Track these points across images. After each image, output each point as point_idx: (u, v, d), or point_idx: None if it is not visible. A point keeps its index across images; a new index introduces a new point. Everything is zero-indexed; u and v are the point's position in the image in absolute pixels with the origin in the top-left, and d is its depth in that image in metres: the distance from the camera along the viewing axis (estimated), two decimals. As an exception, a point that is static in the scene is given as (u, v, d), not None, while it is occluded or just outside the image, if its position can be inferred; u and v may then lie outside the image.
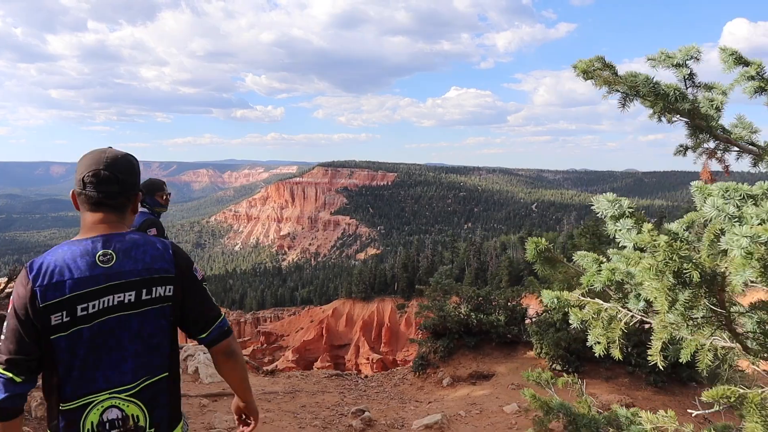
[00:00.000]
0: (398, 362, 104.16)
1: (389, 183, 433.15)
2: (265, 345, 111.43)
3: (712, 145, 3.11)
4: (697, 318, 2.45)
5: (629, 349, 9.85)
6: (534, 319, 11.61)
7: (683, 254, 2.09)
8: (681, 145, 3.19)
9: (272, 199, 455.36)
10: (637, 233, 2.50)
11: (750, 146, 3.05)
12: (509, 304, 12.35)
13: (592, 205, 2.71)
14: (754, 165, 3.08)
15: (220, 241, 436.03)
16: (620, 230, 2.63)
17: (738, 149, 3.08)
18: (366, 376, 12.89)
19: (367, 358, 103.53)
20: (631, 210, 2.63)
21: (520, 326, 11.76)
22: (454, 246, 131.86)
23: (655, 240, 2.13)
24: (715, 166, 3.11)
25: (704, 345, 2.52)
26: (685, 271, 2.09)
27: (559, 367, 9.95)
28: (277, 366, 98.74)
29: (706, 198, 2.38)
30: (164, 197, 6.73)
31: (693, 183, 2.61)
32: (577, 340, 9.92)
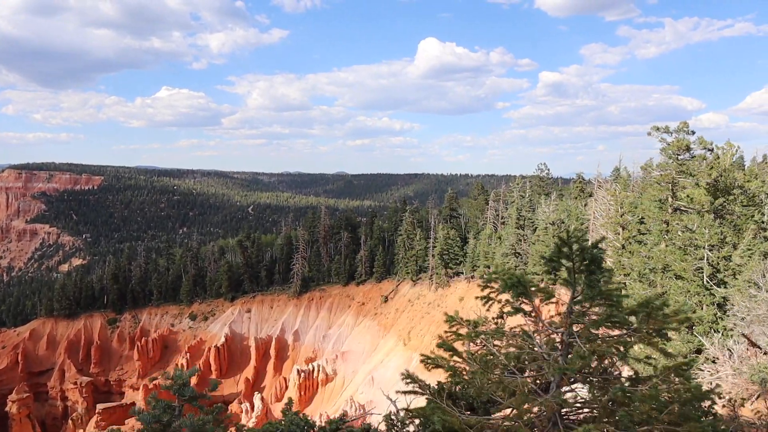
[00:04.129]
0: (112, 383, 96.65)
1: (95, 187, 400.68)
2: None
3: None
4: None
5: None
6: None
7: None
8: None
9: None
10: None
11: None
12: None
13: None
14: None
15: None
16: None
17: None
18: None
19: (75, 383, 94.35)
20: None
21: None
22: (169, 252, 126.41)
23: None
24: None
25: None
26: None
27: None
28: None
29: None
30: None
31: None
32: None
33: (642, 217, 34.25)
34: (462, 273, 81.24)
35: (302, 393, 78.52)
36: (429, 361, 5.01)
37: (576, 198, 77.66)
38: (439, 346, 5.16)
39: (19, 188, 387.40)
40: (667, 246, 23.67)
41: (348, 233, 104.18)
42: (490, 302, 5.13)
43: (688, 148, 23.96)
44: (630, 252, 27.64)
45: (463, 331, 5.20)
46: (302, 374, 79.15)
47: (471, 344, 5.11)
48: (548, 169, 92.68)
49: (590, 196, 73.31)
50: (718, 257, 22.52)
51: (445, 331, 5.21)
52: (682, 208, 23.83)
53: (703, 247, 22.37)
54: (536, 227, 68.85)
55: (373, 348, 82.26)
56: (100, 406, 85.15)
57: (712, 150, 24.23)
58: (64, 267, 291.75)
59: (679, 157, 23.85)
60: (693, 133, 24.06)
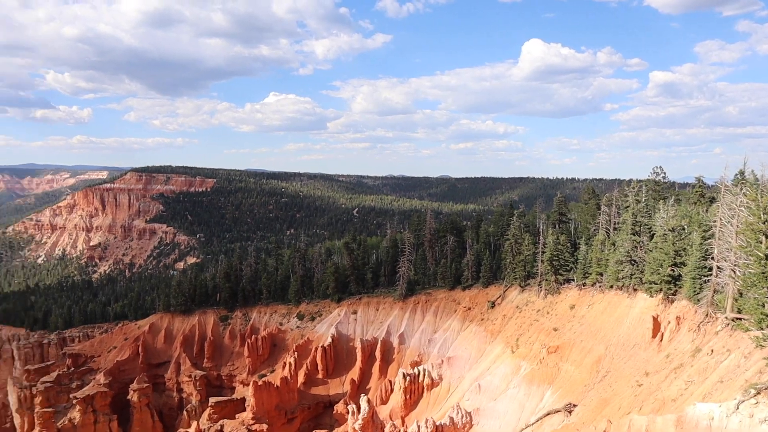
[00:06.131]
0: (223, 378, 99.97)
1: (208, 189, 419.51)
2: (73, 369, 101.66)
3: None
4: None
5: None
6: None
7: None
8: None
9: (80, 207, 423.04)
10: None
11: None
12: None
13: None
14: None
15: (20, 253, 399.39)
16: None
17: None
18: None
19: (189, 376, 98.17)
20: None
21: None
22: (278, 253, 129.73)
23: None
24: None
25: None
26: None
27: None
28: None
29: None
30: None
31: None
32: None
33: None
34: (573, 280, 78.24)
35: (407, 397, 78.00)
36: None
37: (696, 203, 73.02)
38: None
39: (139, 190, 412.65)
40: (825, 256, 21.34)
41: (453, 237, 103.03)
42: None
43: None
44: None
45: None
46: (407, 378, 78.58)
47: None
48: (664, 173, 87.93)
49: (712, 201, 68.61)
50: None
51: None
52: None
53: None
54: (653, 234, 65.18)
55: (479, 354, 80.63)
56: (212, 400, 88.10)
57: None
58: (180, 265, 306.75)
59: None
60: None
